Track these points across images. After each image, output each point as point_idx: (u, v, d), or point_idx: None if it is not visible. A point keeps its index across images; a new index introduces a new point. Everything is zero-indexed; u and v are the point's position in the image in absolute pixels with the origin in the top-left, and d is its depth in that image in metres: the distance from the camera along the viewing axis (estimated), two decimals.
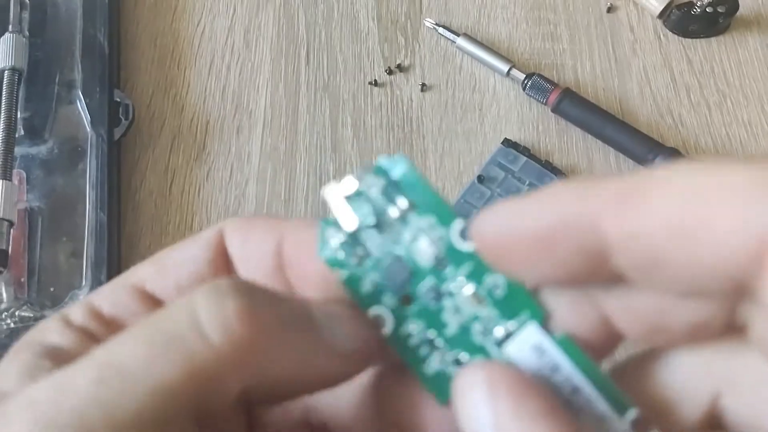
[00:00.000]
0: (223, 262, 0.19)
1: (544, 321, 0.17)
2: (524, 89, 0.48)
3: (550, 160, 0.47)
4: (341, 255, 0.18)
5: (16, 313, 0.41)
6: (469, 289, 0.17)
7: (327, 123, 0.48)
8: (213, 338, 0.14)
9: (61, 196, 0.43)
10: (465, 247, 0.17)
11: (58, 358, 0.16)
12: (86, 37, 0.47)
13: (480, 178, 0.45)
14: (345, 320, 0.17)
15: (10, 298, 0.41)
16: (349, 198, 0.18)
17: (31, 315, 0.41)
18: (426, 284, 0.17)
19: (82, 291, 0.41)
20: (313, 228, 0.18)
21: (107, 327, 0.18)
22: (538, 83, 0.48)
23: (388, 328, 0.18)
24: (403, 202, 0.17)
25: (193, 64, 0.50)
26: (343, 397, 0.19)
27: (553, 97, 0.47)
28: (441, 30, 0.50)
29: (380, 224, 0.18)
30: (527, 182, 0.45)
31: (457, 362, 0.17)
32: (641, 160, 0.46)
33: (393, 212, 0.18)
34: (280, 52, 0.50)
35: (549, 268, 0.15)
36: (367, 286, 0.18)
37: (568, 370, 0.16)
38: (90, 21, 0.48)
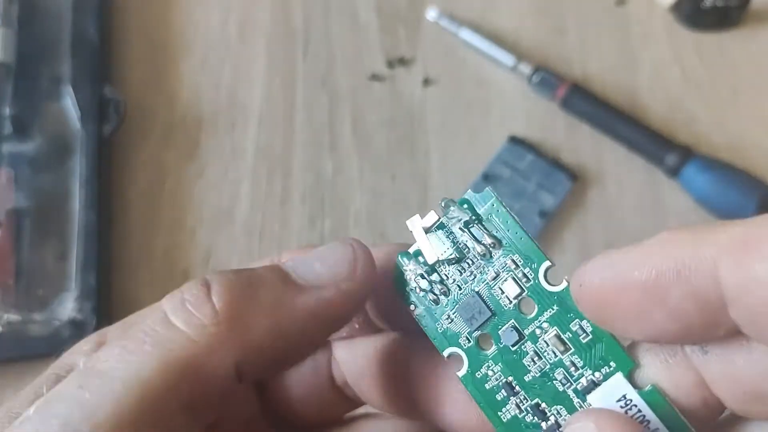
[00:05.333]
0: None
1: (631, 372, 0.16)
2: (531, 84, 0.48)
3: (558, 158, 0.46)
4: (416, 290, 0.18)
5: (4, 317, 0.40)
6: (553, 333, 0.17)
7: (325, 119, 0.47)
8: (183, 329, 0.16)
9: (50, 195, 0.43)
10: (552, 288, 0.17)
11: None
12: (76, 30, 0.47)
13: (485, 177, 0.45)
14: (315, 263, 0.18)
15: None
16: (432, 231, 0.18)
17: (19, 318, 0.41)
18: (506, 326, 0.17)
19: (70, 294, 0.41)
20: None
21: None
22: (545, 78, 0.47)
23: (464, 369, 0.18)
24: (488, 238, 0.18)
25: (186, 58, 0.49)
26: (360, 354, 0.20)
27: (561, 92, 0.47)
28: (444, 22, 0.49)
29: (462, 260, 0.18)
30: (534, 180, 0.45)
31: (536, 409, 0.17)
32: (652, 157, 0.46)
33: (477, 248, 0.18)
34: (276, 44, 0.50)
35: (659, 320, 0.15)
36: (441, 324, 0.18)
37: (656, 424, 0.16)
38: (80, 14, 0.47)
